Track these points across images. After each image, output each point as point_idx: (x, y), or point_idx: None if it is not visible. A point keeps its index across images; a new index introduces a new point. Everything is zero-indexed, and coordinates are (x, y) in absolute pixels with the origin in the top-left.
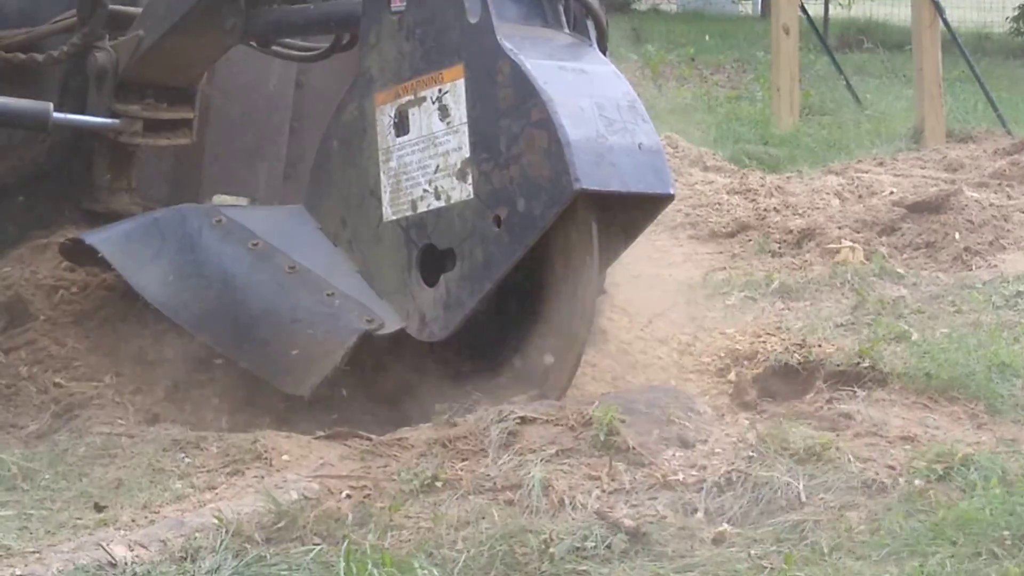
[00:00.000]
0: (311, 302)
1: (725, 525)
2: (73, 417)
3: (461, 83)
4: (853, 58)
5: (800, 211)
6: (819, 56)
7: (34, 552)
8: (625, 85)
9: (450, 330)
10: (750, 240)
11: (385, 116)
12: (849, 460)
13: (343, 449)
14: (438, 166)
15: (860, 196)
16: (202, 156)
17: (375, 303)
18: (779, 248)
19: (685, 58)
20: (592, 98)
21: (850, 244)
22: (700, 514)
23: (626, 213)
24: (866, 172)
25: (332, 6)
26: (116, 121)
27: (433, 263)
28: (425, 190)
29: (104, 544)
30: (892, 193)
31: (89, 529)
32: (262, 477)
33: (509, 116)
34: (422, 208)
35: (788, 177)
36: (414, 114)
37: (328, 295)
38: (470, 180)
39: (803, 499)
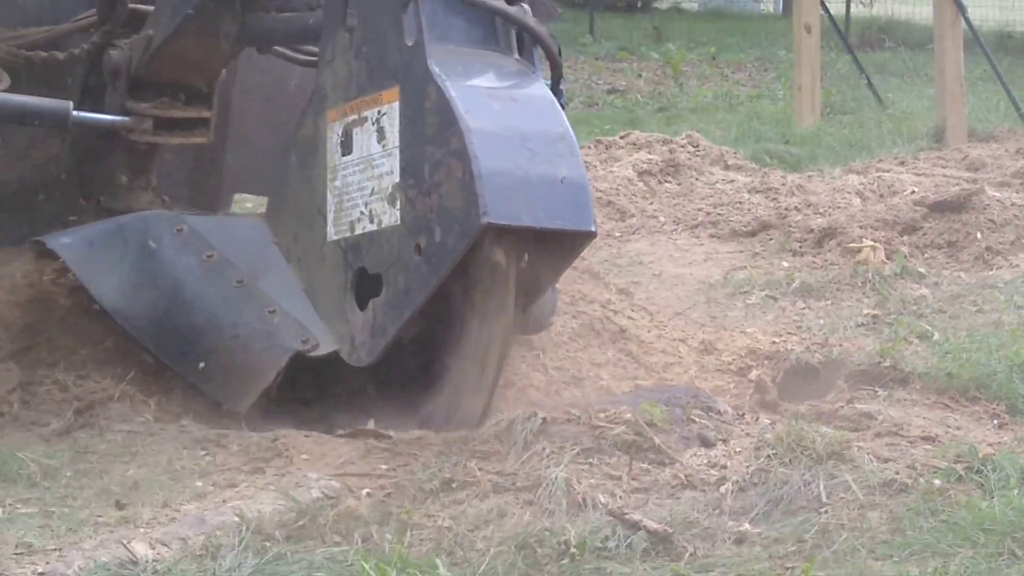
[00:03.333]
0: (252, 318)
1: (746, 525)
2: (94, 415)
3: (396, 106)
4: (874, 57)
5: (821, 210)
6: (840, 55)
7: (56, 550)
8: (558, 115)
9: (375, 356)
10: (771, 239)
11: (334, 134)
12: (870, 460)
13: (363, 447)
14: (373, 188)
15: (881, 195)
16: (223, 155)
17: (314, 323)
18: (800, 247)
19: (706, 57)
20: (517, 128)
21: (871, 243)
22: (721, 514)
23: (545, 249)
24: (887, 171)
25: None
26: (127, 119)
27: (365, 287)
28: (362, 212)
29: (125, 542)
30: (913, 192)
31: (110, 527)
32: (282, 475)
33: (432, 143)
34: (359, 230)
35: (809, 176)
36: (357, 134)
37: (270, 312)
38: (398, 205)
39: (824, 499)
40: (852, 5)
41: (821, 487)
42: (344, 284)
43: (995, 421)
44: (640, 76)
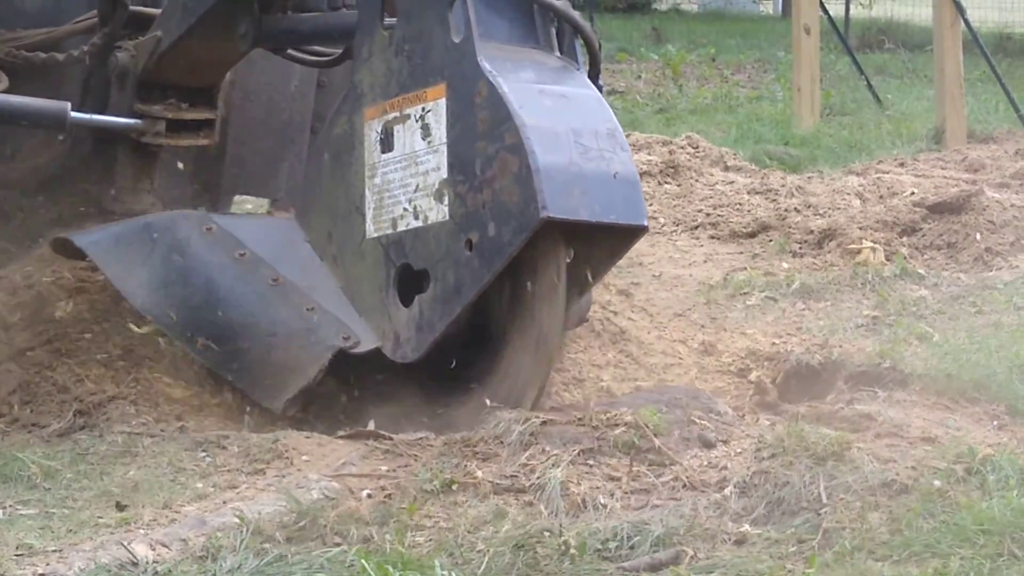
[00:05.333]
0: (290, 316)
1: (747, 526)
2: (95, 416)
3: (443, 102)
4: (874, 58)
5: (821, 211)
6: (840, 56)
7: (56, 551)
8: (607, 112)
9: (421, 352)
10: (771, 240)
11: (373, 132)
12: (870, 461)
13: (363, 448)
14: (418, 185)
15: (881, 196)
16: (223, 157)
17: (354, 320)
18: (800, 248)
19: (706, 58)
20: (569, 124)
21: (871, 244)
22: (722, 515)
23: (598, 243)
24: (887, 172)
25: (342, 16)
26: (138, 121)
27: (410, 283)
28: (405, 209)
29: (125, 543)
30: (913, 193)
31: (111, 528)
32: (283, 476)
33: (485, 139)
34: (401, 227)
35: (809, 177)
36: (399, 131)
37: (308, 310)
38: (446, 201)
39: (824, 500)
40: (851, 6)
41: (821, 488)
42: (386, 281)
43: (995, 422)
44: (639, 77)
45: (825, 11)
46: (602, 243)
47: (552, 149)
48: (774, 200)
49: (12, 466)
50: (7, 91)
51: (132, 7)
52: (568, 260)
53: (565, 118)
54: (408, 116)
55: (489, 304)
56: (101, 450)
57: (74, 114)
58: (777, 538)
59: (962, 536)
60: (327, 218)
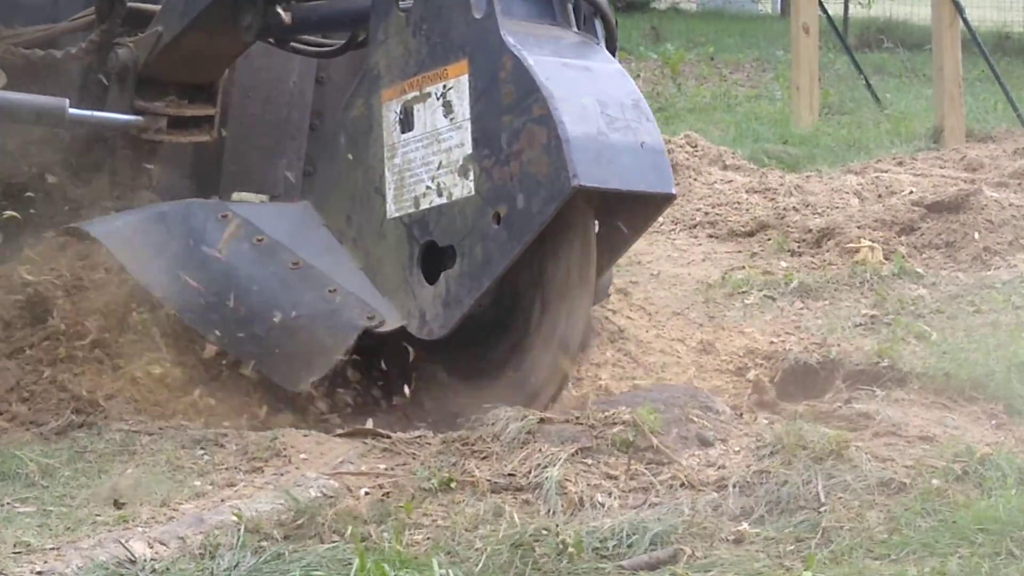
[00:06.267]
0: (313, 298)
1: (745, 525)
2: (93, 414)
3: (465, 79)
4: (873, 57)
5: (819, 210)
6: (839, 55)
7: (54, 549)
8: (630, 84)
9: (448, 328)
10: (769, 239)
11: (391, 112)
12: (868, 460)
13: (361, 447)
14: (441, 162)
15: (879, 195)
16: (222, 153)
17: (377, 300)
18: (798, 247)
19: (704, 57)
20: (594, 96)
21: (869, 244)
22: (720, 514)
23: (627, 212)
24: (885, 171)
25: (348, 4)
26: (139, 118)
27: (434, 260)
28: (428, 187)
29: (123, 541)
30: (911, 193)
31: (108, 526)
32: (281, 475)
33: (511, 112)
34: (424, 205)
35: (807, 176)
36: (419, 110)
37: (330, 291)
38: (471, 177)
39: (822, 499)
40: (850, 5)
41: (819, 487)
42: (410, 259)
43: (993, 421)
44: (638, 76)
45: (824, 10)
46: (631, 212)
47: (580, 120)
48: (772, 199)
49: (10, 464)
50: (6, 88)
51: (130, 3)
52: (604, 229)
53: (590, 90)
54: (429, 94)
55: (517, 278)
56: (99, 448)
57: (73, 110)
58: (775, 537)
59: (960, 535)
60: (345, 201)
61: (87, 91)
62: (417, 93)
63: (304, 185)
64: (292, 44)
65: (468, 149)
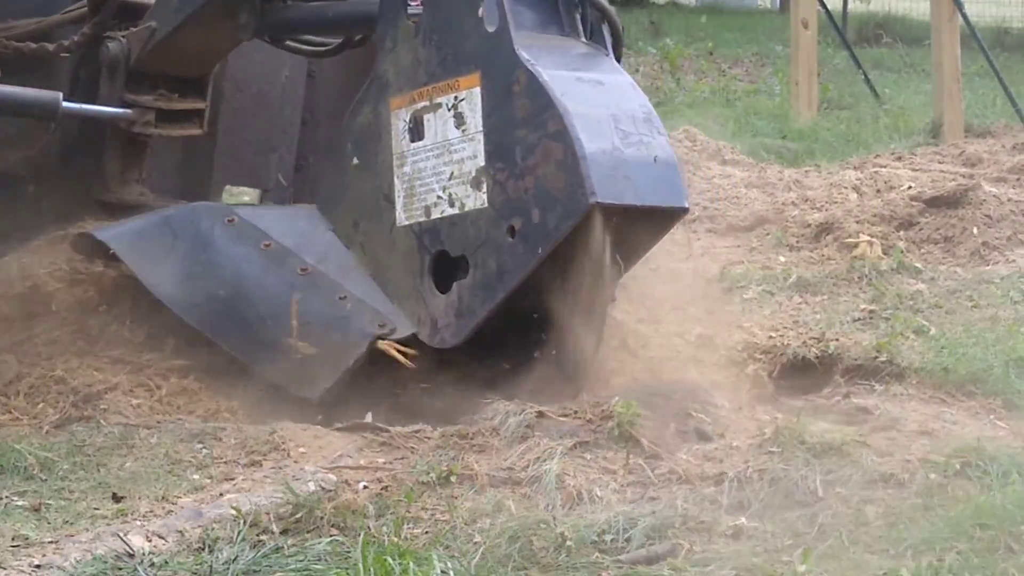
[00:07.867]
0: (322, 305)
1: (743, 519)
2: (91, 408)
3: (477, 91)
4: (872, 52)
5: (818, 205)
6: (838, 50)
7: (52, 542)
8: (641, 97)
9: (462, 337)
10: (768, 234)
11: (400, 121)
12: (866, 454)
13: (360, 441)
14: (452, 173)
15: (878, 190)
16: (213, 147)
17: (387, 307)
18: (797, 242)
19: (703, 52)
20: (608, 110)
21: (868, 238)
22: (718, 508)
23: (640, 226)
24: (884, 166)
25: (347, 6)
26: (128, 111)
27: (446, 270)
28: (439, 196)
29: (122, 534)
30: (910, 188)
31: (107, 519)
32: (280, 468)
33: (525, 127)
34: (436, 214)
35: (806, 171)
36: (429, 120)
37: (340, 298)
38: (484, 189)
39: (820, 493)
40: (849, 1)
41: (818, 481)
42: (420, 268)
43: (991, 416)
44: (637, 71)
45: (823, 5)
46: (645, 225)
47: (595, 136)
48: (771, 194)
49: (8, 457)
50: None
51: None
52: (617, 242)
53: (604, 104)
54: (440, 105)
55: (536, 289)
56: (97, 441)
57: (66, 104)
58: (773, 531)
59: (958, 529)
60: (353, 207)
61: (79, 85)
62: (427, 103)
63: (297, 179)
64: (287, 43)
65: (481, 161)
